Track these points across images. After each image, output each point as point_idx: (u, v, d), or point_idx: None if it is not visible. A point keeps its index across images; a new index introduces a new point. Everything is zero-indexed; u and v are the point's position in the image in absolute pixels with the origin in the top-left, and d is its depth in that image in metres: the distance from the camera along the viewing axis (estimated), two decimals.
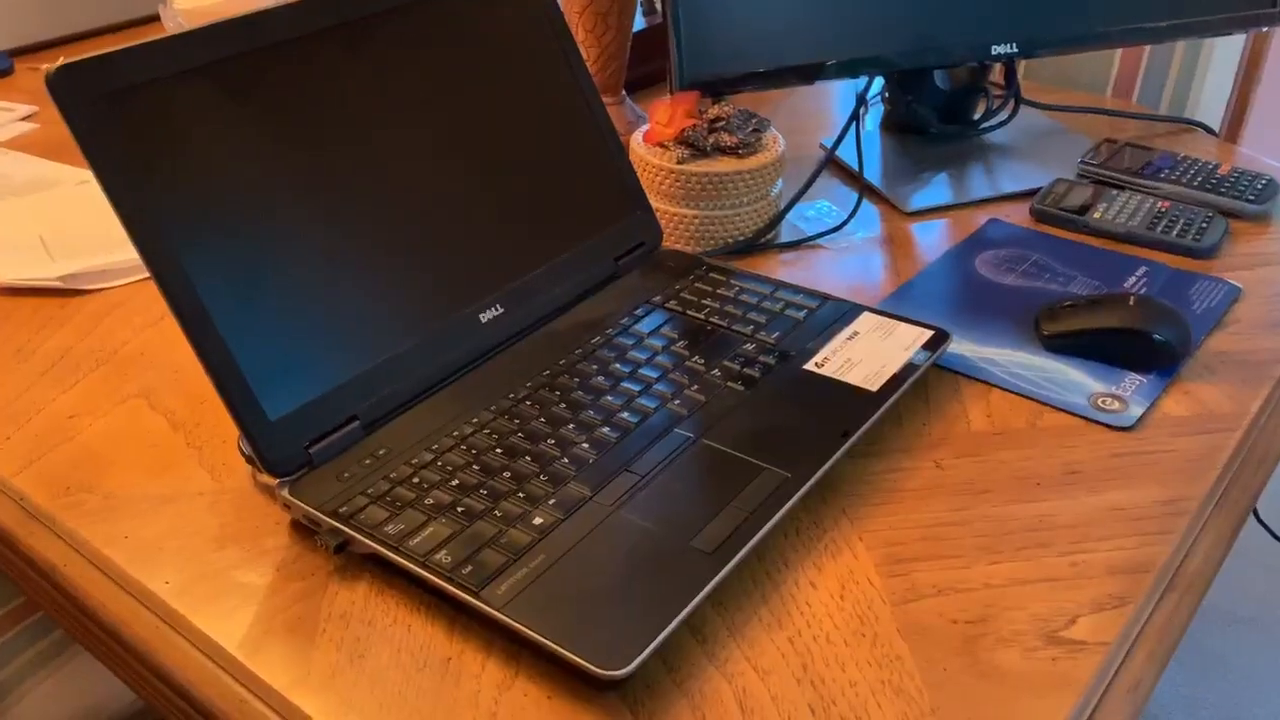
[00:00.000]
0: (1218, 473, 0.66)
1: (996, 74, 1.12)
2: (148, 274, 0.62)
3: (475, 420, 0.67)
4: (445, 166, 0.73)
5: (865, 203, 0.99)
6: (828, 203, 1.00)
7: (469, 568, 0.56)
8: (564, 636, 0.52)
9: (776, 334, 0.75)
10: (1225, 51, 1.25)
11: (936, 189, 1.00)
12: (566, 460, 0.63)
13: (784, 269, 0.90)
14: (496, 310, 0.74)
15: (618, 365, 0.72)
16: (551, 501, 0.60)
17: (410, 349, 0.69)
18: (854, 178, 1.03)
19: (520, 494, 0.61)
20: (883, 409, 0.67)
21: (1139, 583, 0.58)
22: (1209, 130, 1.14)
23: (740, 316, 0.77)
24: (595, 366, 0.72)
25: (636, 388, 0.69)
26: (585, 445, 0.64)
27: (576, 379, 0.70)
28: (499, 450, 0.64)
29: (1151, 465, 0.66)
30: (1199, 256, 0.89)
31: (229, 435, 0.70)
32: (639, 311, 0.78)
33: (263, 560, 0.61)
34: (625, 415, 0.67)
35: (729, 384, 0.70)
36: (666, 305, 0.79)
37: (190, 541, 0.62)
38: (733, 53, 0.93)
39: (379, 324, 0.68)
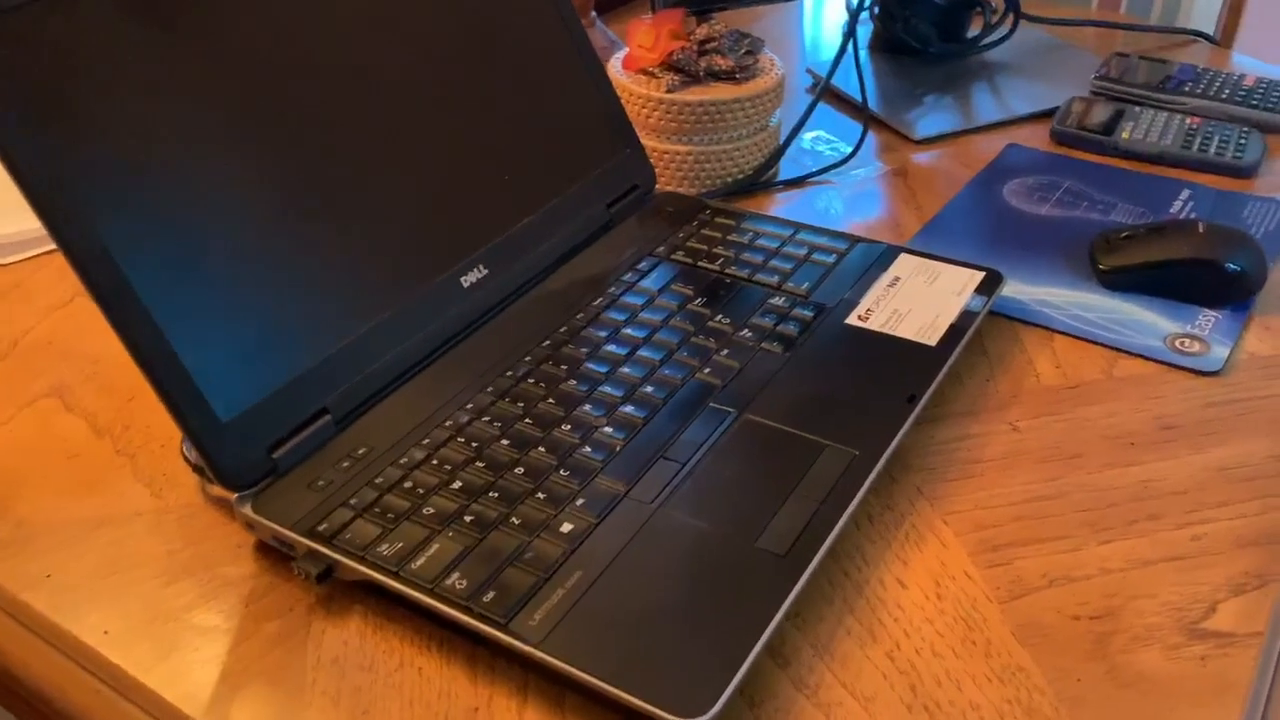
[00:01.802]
0: None
1: None
2: (53, 246, 0.50)
3: (471, 405, 0.55)
4: (409, 107, 0.61)
5: (869, 132, 0.89)
6: (823, 133, 0.90)
7: (491, 593, 0.45)
8: (623, 676, 0.42)
9: (806, 284, 0.65)
10: None
11: (944, 114, 0.91)
12: (589, 449, 0.52)
13: (792, 208, 0.79)
14: (480, 272, 0.62)
15: (629, 330, 0.61)
16: (580, 502, 0.49)
17: (384, 324, 0.57)
18: (849, 105, 0.93)
19: (540, 494, 0.50)
20: (947, 365, 0.58)
21: (1275, 555, 0.49)
22: (1210, 39, 1.06)
23: (761, 265, 0.67)
24: (603, 333, 0.61)
25: (657, 355, 0.59)
26: (608, 429, 0.54)
27: (584, 348, 0.59)
28: (505, 441, 0.53)
29: (1252, 414, 0.58)
30: (1242, 175, 0.81)
31: (170, 437, 0.58)
32: (643, 265, 0.67)
33: (226, 595, 0.49)
34: (649, 390, 0.56)
35: (764, 345, 0.60)
36: (673, 256, 0.68)
37: (131, 577, 0.50)
38: None
39: (346, 296, 0.56)
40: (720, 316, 0.62)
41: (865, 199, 0.80)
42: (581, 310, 0.63)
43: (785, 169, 0.85)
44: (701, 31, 0.80)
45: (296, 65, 0.56)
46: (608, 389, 0.56)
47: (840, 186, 0.82)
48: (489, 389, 0.57)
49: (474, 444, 0.53)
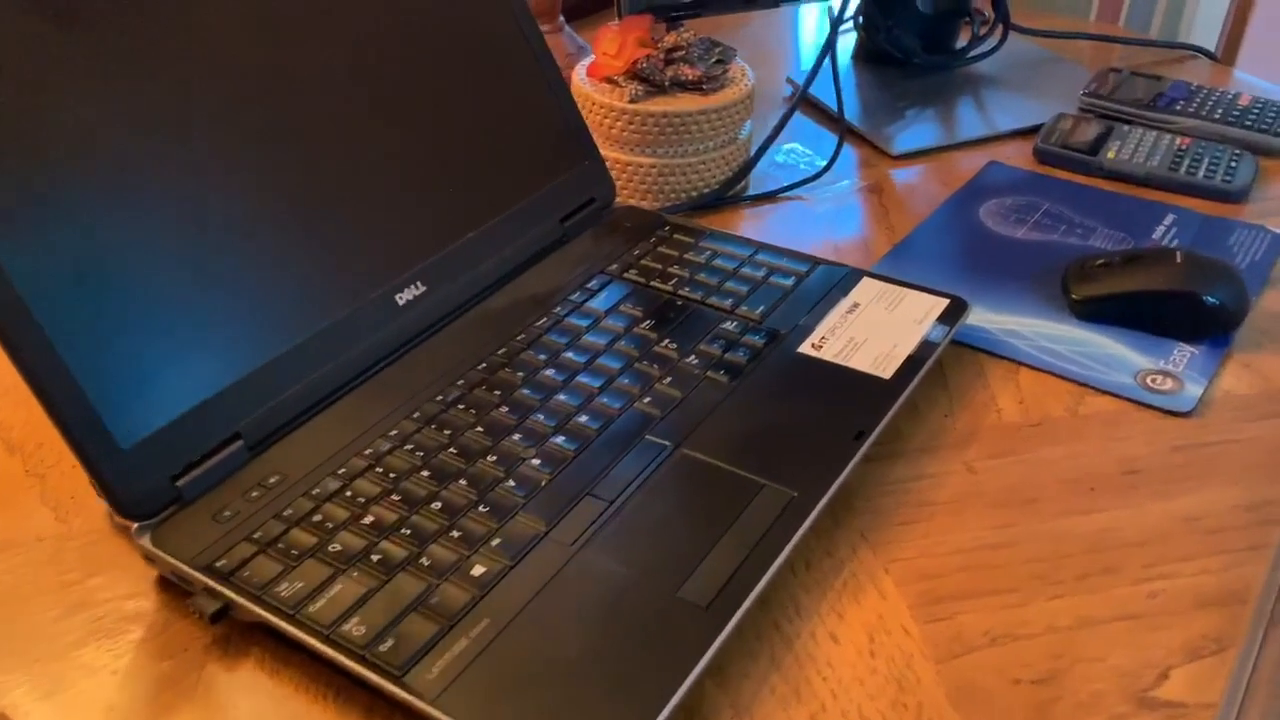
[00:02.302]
0: None
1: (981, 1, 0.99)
2: None
3: (395, 432, 0.53)
4: (346, 114, 0.58)
5: (846, 146, 0.86)
6: (800, 146, 0.87)
7: (389, 641, 0.42)
8: None
9: (761, 308, 0.62)
10: None
11: (924, 128, 0.87)
12: (513, 483, 0.50)
13: (758, 225, 0.76)
14: (417, 289, 0.59)
15: (570, 354, 0.58)
16: (496, 542, 0.46)
17: (309, 344, 0.54)
18: (826, 116, 0.89)
19: (455, 533, 0.47)
20: (900, 400, 0.55)
21: (1236, 617, 0.46)
22: (1209, 55, 1.02)
23: (716, 287, 0.64)
24: (543, 356, 0.58)
25: (596, 382, 0.56)
26: (536, 461, 0.51)
27: (520, 372, 0.57)
28: (425, 472, 0.50)
29: (1223, 459, 0.55)
30: (1231, 200, 0.78)
31: None
32: (592, 284, 0.64)
33: (121, 632, 0.46)
34: (584, 419, 0.53)
35: (710, 374, 0.57)
36: (625, 275, 0.65)
37: (22, 609, 0.48)
38: None
39: (267, 313, 0.53)
40: (667, 341, 0.59)
41: (836, 217, 0.77)
42: (523, 331, 0.60)
43: (757, 183, 0.82)
44: (669, 40, 0.77)
45: (214, 65, 0.53)
46: (541, 418, 0.53)
47: (812, 203, 0.79)
48: (416, 414, 0.54)
49: (391, 475, 0.50)
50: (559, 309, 0.62)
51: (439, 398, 0.55)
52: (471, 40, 0.65)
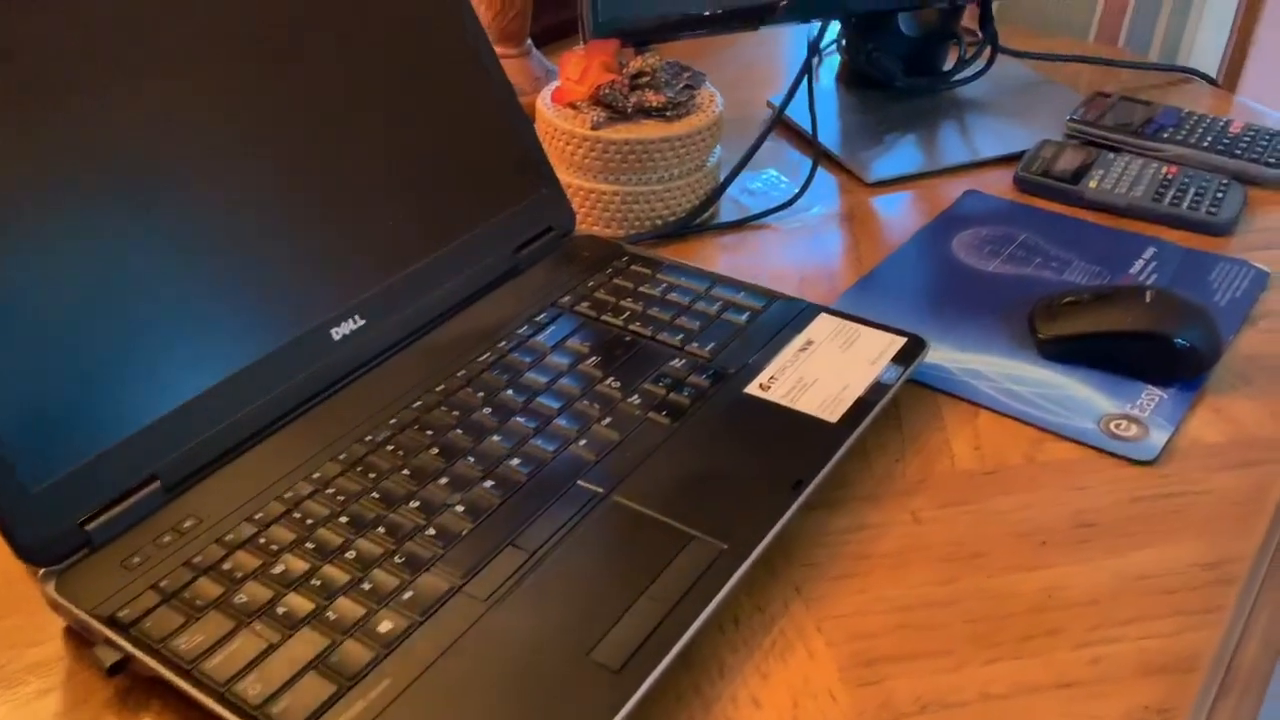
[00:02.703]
0: (1269, 520, 0.52)
1: (969, 17, 0.97)
2: None
3: (318, 475, 0.51)
4: (285, 137, 0.57)
5: (821, 172, 0.84)
6: (776, 172, 0.85)
7: (284, 702, 0.40)
8: None
9: (711, 345, 0.60)
10: None
11: (903, 154, 0.85)
12: (433, 532, 0.48)
13: (725, 255, 0.75)
14: (355, 323, 0.58)
15: (510, 392, 0.56)
16: (407, 596, 0.45)
17: (235, 380, 0.53)
18: (807, 142, 0.88)
19: (365, 585, 0.45)
20: (844, 448, 0.53)
21: (1183, 687, 0.44)
22: (1208, 79, 1.00)
23: (668, 322, 0.62)
24: (481, 394, 0.56)
25: (532, 424, 0.54)
26: (460, 509, 0.49)
27: (456, 411, 0.55)
28: (343, 519, 0.49)
29: (1182, 512, 0.52)
30: (1216, 232, 0.75)
31: None
32: (541, 317, 0.63)
33: (21, 682, 0.45)
34: (515, 463, 0.52)
35: (651, 415, 0.55)
36: (576, 308, 0.63)
37: None
38: None
39: (191, 349, 0.52)
40: (612, 379, 0.57)
41: (805, 246, 0.75)
42: (464, 367, 0.58)
43: (728, 209, 0.80)
44: (635, 64, 0.75)
45: (139, 87, 0.52)
46: (471, 460, 0.52)
47: (782, 232, 0.77)
48: (342, 455, 0.52)
49: (308, 521, 0.48)
50: (504, 343, 0.60)
51: (368, 438, 0.53)
52: (421, 65, 0.64)
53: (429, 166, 0.63)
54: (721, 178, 0.79)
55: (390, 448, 0.53)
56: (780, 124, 0.90)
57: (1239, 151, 0.82)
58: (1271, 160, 0.81)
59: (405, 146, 0.62)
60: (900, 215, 0.79)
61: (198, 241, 0.53)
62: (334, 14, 0.60)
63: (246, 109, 0.55)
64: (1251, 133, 0.84)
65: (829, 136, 0.88)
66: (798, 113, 0.89)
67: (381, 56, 0.62)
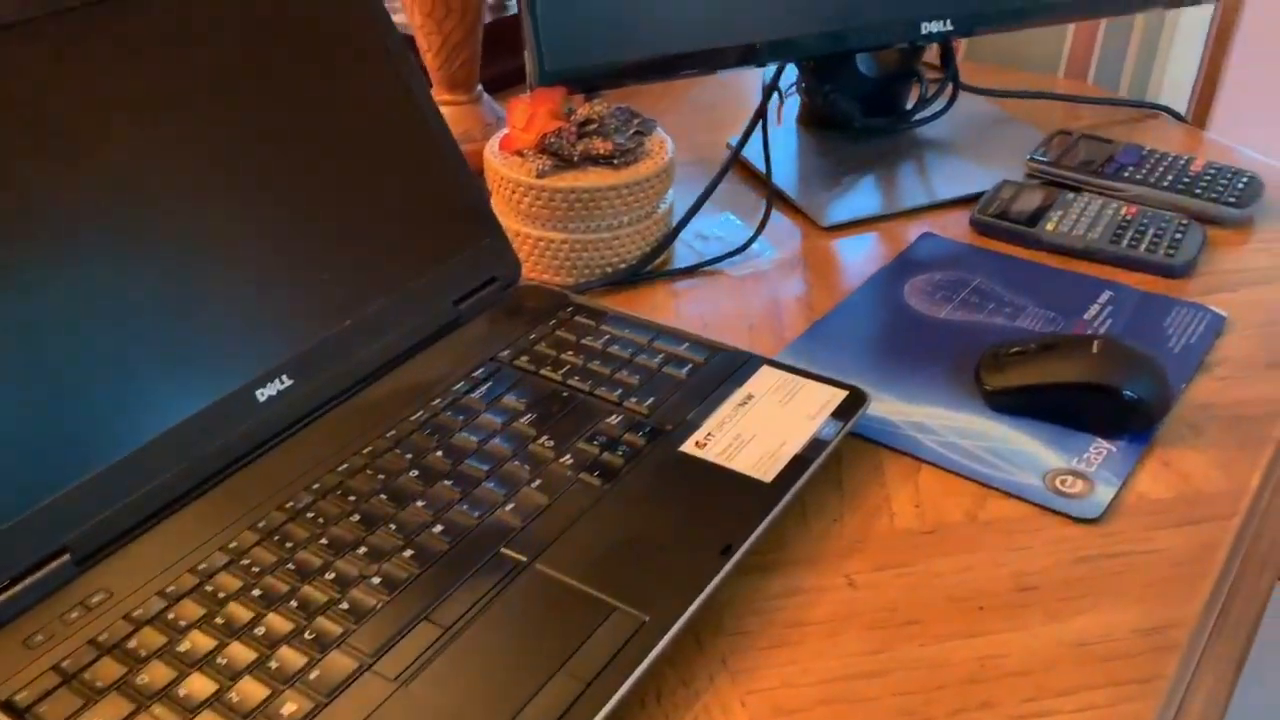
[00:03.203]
0: (1213, 582, 0.50)
1: (933, 54, 0.96)
2: None
3: (233, 545, 0.50)
4: (207, 186, 0.56)
5: (778, 215, 0.83)
6: (733, 216, 0.84)
7: None
8: None
9: (650, 401, 0.59)
10: (1191, 23, 1.10)
11: (861, 197, 0.84)
12: (346, 606, 0.46)
13: (676, 302, 0.73)
14: (282, 383, 0.57)
15: (439, 454, 0.55)
16: (314, 675, 0.43)
17: (153, 447, 0.51)
18: (764, 185, 0.87)
19: (272, 664, 0.44)
20: (777, 509, 0.51)
21: None
22: (1176, 116, 0.99)
23: (607, 377, 0.61)
24: (409, 456, 0.55)
25: (458, 489, 0.53)
26: (376, 581, 0.48)
27: (381, 475, 0.54)
28: (255, 592, 0.47)
29: (1126, 574, 0.51)
30: (1174, 275, 0.74)
31: None
32: (479, 373, 0.61)
33: None
34: (438, 530, 0.50)
35: (582, 477, 0.54)
36: (516, 362, 0.62)
37: None
38: (608, 37, 0.77)
39: (107, 413, 0.50)
40: (545, 438, 0.56)
41: (757, 293, 0.74)
42: (394, 427, 0.57)
43: (683, 254, 0.79)
44: (582, 112, 0.74)
45: (74, 140, 0.51)
46: (392, 528, 0.50)
47: (734, 279, 0.76)
48: (260, 524, 0.51)
49: (220, 595, 0.47)
50: (438, 401, 0.59)
51: (288, 504, 0.52)
52: (358, 117, 0.63)
53: (365, 219, 0.62)
54: (674, 223, 0.78)
55: (310, 515, 0.51)
56: (740, 166, 0.89)
57: (1199, 191, 0.81)
58: (1231, 200, 0.80)
59: (340, 199, 0.61)
60: (856, 259, 0.78)
61: (114, 301, 0.51)
62: (264, 66, 0.59)
63: (169, 160, 0.55)
64: (1213, 171, 0.83)
65: (786, 179, 0.87)
66: (758, 155, 0.88)
67: (315, 108, 0.61)
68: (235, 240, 0.56)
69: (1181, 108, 1.13)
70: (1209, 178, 0.82)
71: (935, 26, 0.83)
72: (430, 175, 0.66)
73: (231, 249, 0.56)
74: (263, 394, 0.56)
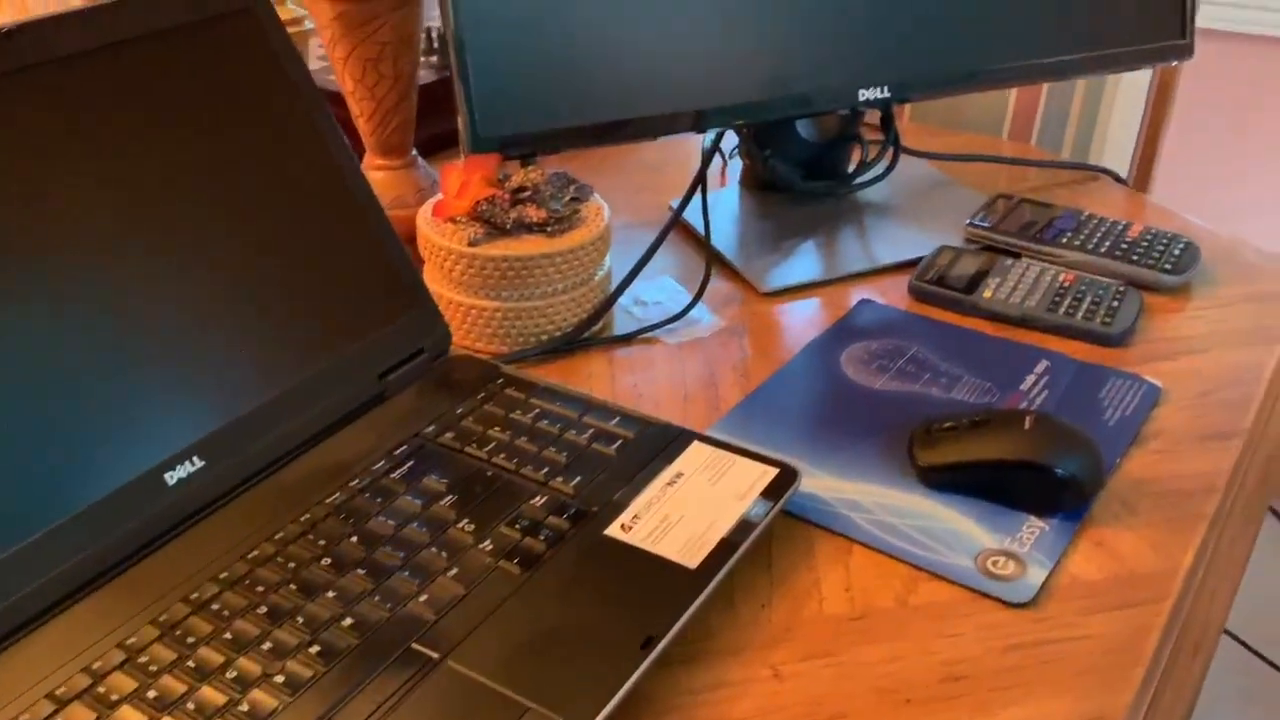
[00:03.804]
0: (1144, 669, 0.49)
1: (875, 115, 0.96)
2: None
3: (132, 641, 0.47)
4: (119, 257, 0.54)
5: (719, 280, 0.82)
6: (673, 280, 0.83)
7: None
8: None
9: (577, 480, 0.57)
10: (1132, 86, 1.11)
11: (801, 262, 0.84)
12: (245, 709, 0.44)
13: (611, 371, 0.72)
14: (193, 465, 0.55)
15: (353, 539, 0.53)
16: None
17: (54, 535, 0.49)
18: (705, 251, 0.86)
19: None
20: (701, 598, 0.50)
21: None
22: (1117, 178, 0.99)
23: (534, 454, 0.59)
24: (322, 543, 0.53)
25: (372, 580, 0.51)
26: (279, 680, 0.46)
27: (291, 565, 0.52)
28: (151, 694, 0.45)
29: (1057, 662, 0.50)
30: (1110, 344, 0.74)
31: None
32: (401, 451, 0.60)
33: None
34: (347, 623, 0.48)
35: (502, 564, 0.52)
36: (440, 440, 0.61)
37: None
38: (543, 103, 0.76)
39: (2, 499, 0.48)
40: (466, 522, 0.54)
41: (694, 361, 0.73)
42: (309, 510, 0.55)
43: (622, 321, 0.78)
44: (516, 178, 0.73)
45: None
46: (300, 621, 0.48)
47: (671, 347, 0.75)
48: (161, 618, 0.49)
49: (112, 698, 0.45)
50: (356, 482, 0.57)
51: (193, 596, 0.50)
52: (278, 184, 0.62)
53: (285, 291, 0.60)
54: (614, 288, 0.77)
55: (215, 607, 0.49)
56: (682, 228, 0.89)
57: (1136, 257, 0.81)
58: (1168, 266, 0.80)
59: (259, 271, 0.60)
60: (795, 326, 0.77)
61: (13, 379, 0.49)
62: (182, 136, 0.58)
63: (76, 231, 0.53)
64: (1150, 236, 0.83)
65: (727, 242, 0.86)
66: (700, 216, 0.87)
67: (234, 179, 0.60)
68: (146, 314, 0.55)
69: (1124, 169, 1.14)
70: (1146, 243, 0.82)
71: (873, 93, 0.83)
72: (356, 246, 0.64)
73: (142, 323, 0.54)
74: (172, 477, 0.54)
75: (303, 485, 0.57)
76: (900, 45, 0.83)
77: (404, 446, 0.60)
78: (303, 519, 0.54)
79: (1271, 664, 1.17)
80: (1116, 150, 1.12)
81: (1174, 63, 0.92)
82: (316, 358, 0.61)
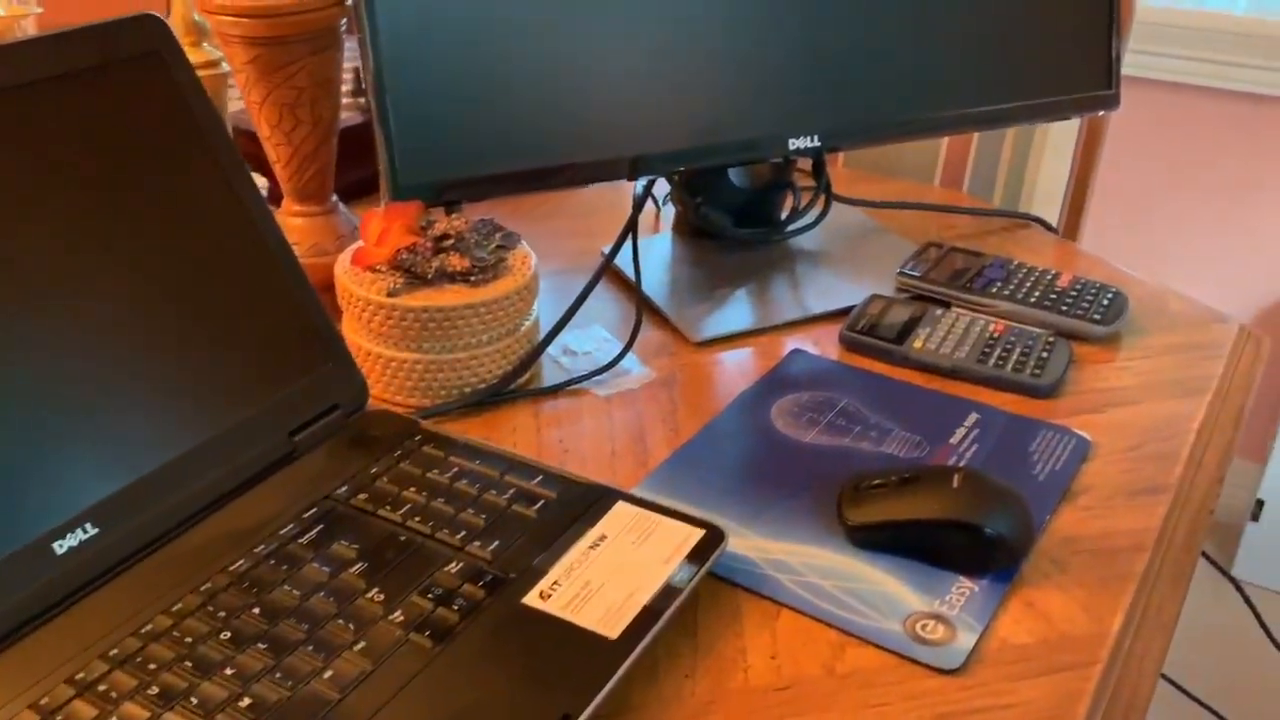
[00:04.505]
0: None
1: (807, 162, 0.96)
2: None
3: None
4: (8, 308, 0.51)
5: (650, 329, 0.81)
6: (603, 329, 0.81)
7: None
8: None
9: (495, 545, 0.55)
10: (1061, 135, 1.13)
11: (733, 311, 0.83)
12: None
13: (537, 425, 0.70)
14: (84, 533, 0.52)
15: (255, 611, 0.50)
16: None
17: None
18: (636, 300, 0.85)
19: None
20: (620, 671, 0.48)
21: None
22: (1047, 226, 1.00)
23: (451, 517, 0.57)
24: (222, 614, 0.50)
25: (273, 655, 0.48)
26: None
27: (188, 639, 0.49)
28: None
29: None
30: (1040, 396, 0.73)
31: None
32: (310, 514, 0.57)
33: None
34: (244, 705, 0.45)
35: (412, 637, 0.49)
36: (352, 501, 0.58)
37: None
38: (466, 150, 0.74)
39: None
40: (376, 591, 0.52)
41: (622, 414, 0.71)
42: (209, 579, 0.52)
43: (551, 372, 0.76)
44: (440, 226, 0.71)
45: None
46: (193, 703, 0.45)
47: (600, 397, 0.73)
48: (43, 700, 0.45)
49: None
50: (262, 547, 0.54)
51: (78, 676, 0.47)
52: (184, 235, 0.59)
53: (189, 346, 0.58)
54: (541, 337, 0.75)
55: (102, 688, 0.46)
56: (614, 275, 0.87)
57: (1065, 307, 0.81)
58: (1097, 316, 0.80)
59: (160, 325, 0.57)
60: (726, 376, 0.76)
61: None
62: (82, 183, 0.55)
63: None
64: (1079, 286, 0.83)
65: (659, 290, 0.85)
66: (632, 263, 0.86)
67: (136, 229, 0.57)
68: (36, 370, 0.52)
69: (1054, 217, 1.15)
70: (1075, 293, 0.83)
71: (803, 142, 0.83)
72: (267, 296, 0.62)
73: (31, 380, 0.51)
74: (61, 545, 0.51)
75: (204, 552, 0.54)
76: (831, 95, 0.83)
77: (314, 509, 0.57)
78: (202, 588, 0.52)
79: (1211, 710, 1.18)
80: (1045, 198, 1.14)
81: (1100, 113, 0.93)
82: (223, 415, 0.58)
